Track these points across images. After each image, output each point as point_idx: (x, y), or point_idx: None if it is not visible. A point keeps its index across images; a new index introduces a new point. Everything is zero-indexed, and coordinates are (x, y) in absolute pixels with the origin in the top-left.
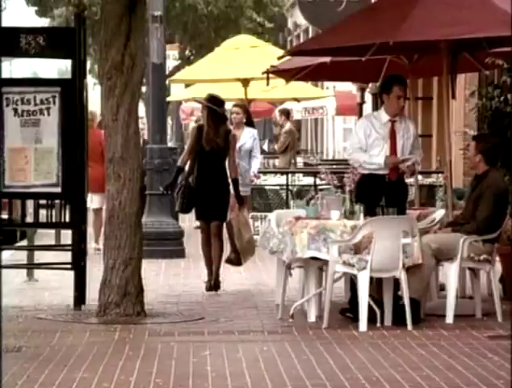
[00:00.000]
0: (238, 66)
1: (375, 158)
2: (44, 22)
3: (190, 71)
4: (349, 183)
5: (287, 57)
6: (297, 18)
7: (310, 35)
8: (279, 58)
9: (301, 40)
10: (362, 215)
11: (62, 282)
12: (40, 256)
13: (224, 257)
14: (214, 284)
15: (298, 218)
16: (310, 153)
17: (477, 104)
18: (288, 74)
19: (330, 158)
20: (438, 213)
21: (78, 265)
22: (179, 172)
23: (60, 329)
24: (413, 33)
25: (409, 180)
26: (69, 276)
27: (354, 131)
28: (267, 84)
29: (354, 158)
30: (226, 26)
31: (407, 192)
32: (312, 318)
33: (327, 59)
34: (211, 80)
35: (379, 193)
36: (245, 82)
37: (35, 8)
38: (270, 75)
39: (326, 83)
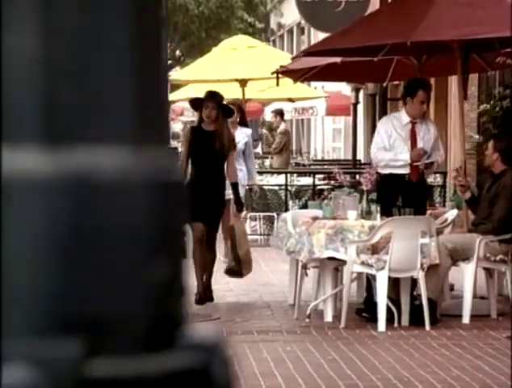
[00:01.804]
0: (236, 67)
1: (400, 155)
2: None
3: (187, 71)
4: (365, 183)
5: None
6: (281, 18)
7: (295, 36)
8: (293, 59)
9: (285, 41)
10: (378, 215)
11: None
12: None
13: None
14: (205, 296)
15: (315, 218)
16: (298, 153)
17: (485, 106)
18: (297, 74)
19: (319, 158)
20: (451, 213)
21: None
22: None
23: None
24: (429, 33)
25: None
26: None
27: (377, 131)
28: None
29: (379, 157)
30: (217, 26)
31: (426, 193)
32: (328, 318)
33: (337, 59)
34: (208, 80)
35: (398, 193)
36: (243, 83)
37: None
38: (267, 75)
39: (314, 83)
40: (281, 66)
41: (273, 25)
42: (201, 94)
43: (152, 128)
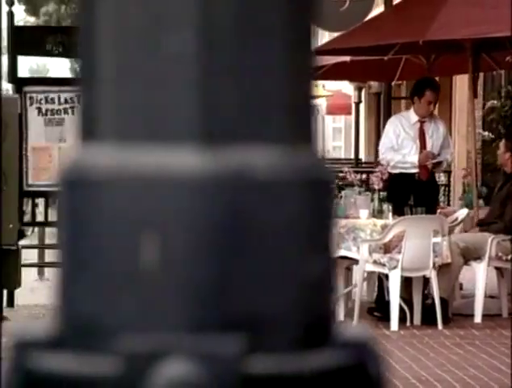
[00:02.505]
0: None
1: (408, 157)
2: (36, 21)
3: None
4: (377, 182)
5: None
6: None
7: None
8: None
9: None
10: (390, 214)
11: None
12: (48, 255)
13: None
14: None
15: None
16: None
17: (492, 103)
18: None
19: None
20: (461, 212)
21: None
22: None
23: None
24: (442, 32)
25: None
26: None
27: (385, 131)
28: None
29: (387, 158)
30: None
31: (437, 192)
32: (340, 317)
33: (346, 58)
34: None
35: (409, 192)
36: None
37: (24, 7)
38: None
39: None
40: None
41: None
42: None
43: (303, 127)
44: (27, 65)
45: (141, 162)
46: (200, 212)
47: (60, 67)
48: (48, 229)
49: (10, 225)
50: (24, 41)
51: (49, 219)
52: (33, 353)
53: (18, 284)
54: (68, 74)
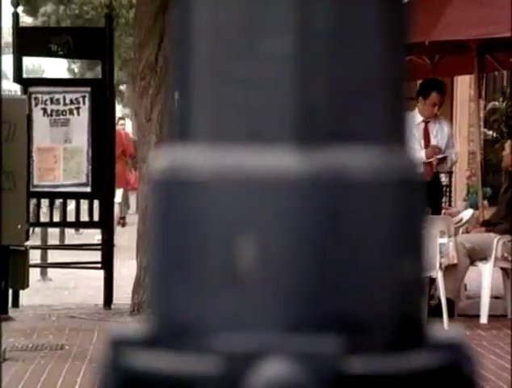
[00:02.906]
0: None
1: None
2: (34, 21)
3: None
4: None
5: None
6: None
7: None
8: None
9: None
10: None
11: (77, 281)
12: (49, 256)
13: None
14: None
15: None
16: None
17: (493, 104)
18: None
19: None
20: (466, 213)
21: (108, 265)
22: None
23: (97, 328)
24: (448, 33)
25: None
26: (82, 275)
27: None
28: None
29: None
30: None
31: (442, 192)
32: None
33: None
34: None
35: None
36: None
37: (23, 7)
38: None
39: None
40: None
41: None
42: None
43: (398, 126)
44: (23, 66)
45: (238, 163)
46: (298, 213)
47: (56, 67)
48: (50, 230)
49: (19, 226)
50: (29, 42)
51: (54, 220)
52: (130, 352)
53: (26, 284)
54: (65, 75)
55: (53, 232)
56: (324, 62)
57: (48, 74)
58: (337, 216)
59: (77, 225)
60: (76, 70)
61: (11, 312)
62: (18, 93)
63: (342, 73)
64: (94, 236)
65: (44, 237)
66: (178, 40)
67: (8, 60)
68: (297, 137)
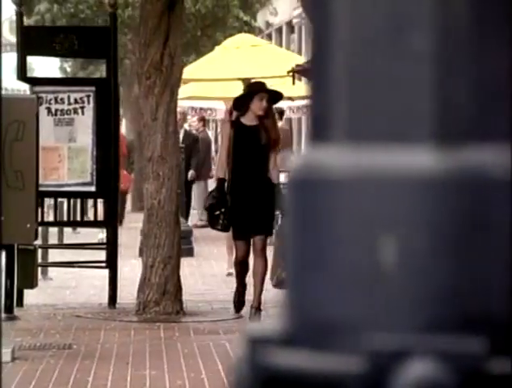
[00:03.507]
0: (239, 65)
1: None
2: (27, 21)
3: (190, 70)
4: None
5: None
6: (270, 16)
7: (284, 35)
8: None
9: (273, 40)
10: None
11: (78, 281)
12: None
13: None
14: (256, 309)
15: None
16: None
17: None
18: None
19: None
20: None
21: (113, 264)
22: (223, 185)
23: (103, 327)
24: None
25: None
26: (83, 274)
27: None
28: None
29: None
30: (213, 25)
31: None
32: None
33: None
34: (211, 79)
35: None
36: (247, 82)
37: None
38: (270, 74)
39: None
40: (297, 65)
41: (260, 23)
42: (205, 93)
43: None
44: (12, 64)
45: (378, 163)
46: (438, 212)
47: (46, 66)
48: (51, 229)
49: (28, 225)
50: (33, 41)
51: (58, 219)
52: (269, 351)
53: (35, 283)
54: (57, 74)
55: (51, 231)
56: (464, 62)
57: (38, 73)
58: (478, 215)
59: (82, 224)
60: (68, 70)
61: (16, 311)
62: (25, 92)
63: (482, 73)
64: (92, 235)
65: (46, 236)
66: (318, 41)
67: (9, 59)
68: (437, 136)
